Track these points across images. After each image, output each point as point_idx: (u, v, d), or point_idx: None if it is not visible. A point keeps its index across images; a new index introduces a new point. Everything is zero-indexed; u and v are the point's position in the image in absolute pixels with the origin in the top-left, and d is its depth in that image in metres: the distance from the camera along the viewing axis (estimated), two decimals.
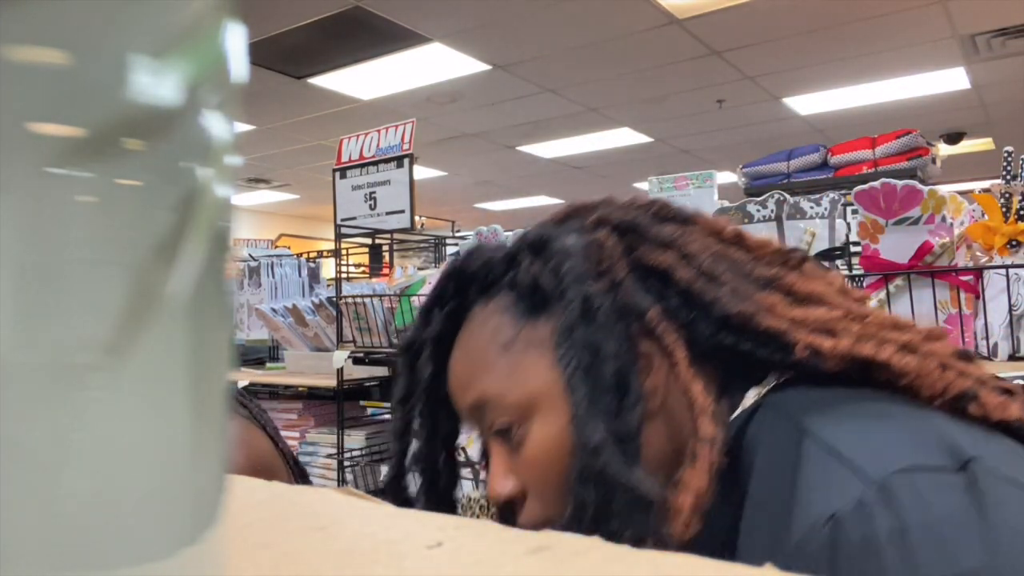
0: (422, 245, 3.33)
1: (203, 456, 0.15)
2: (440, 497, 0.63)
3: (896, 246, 1.34)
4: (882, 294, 1.36)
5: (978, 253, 1.36)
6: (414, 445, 0.65)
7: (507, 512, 0.58)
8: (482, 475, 1.62)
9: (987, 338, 1.28)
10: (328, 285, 2.67)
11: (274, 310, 2.32)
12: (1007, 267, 1.28)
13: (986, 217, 1.40)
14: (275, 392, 2.36)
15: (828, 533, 0.41)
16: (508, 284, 0.58)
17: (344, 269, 2.14)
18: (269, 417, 0.96)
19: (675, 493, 0.49)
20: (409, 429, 0.64)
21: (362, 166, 2.00)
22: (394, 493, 0.64)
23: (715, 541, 0.48)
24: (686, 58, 4.47)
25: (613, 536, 0.49)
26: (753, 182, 3.38)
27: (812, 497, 0.43)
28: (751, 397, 0.53)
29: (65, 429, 0.13)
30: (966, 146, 6.38)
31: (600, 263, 0.54)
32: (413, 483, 0.64)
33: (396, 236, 2.15)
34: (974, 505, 0.39)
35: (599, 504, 0.49)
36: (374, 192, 1.97)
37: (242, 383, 2.24)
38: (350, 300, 1.91)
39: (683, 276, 0.54)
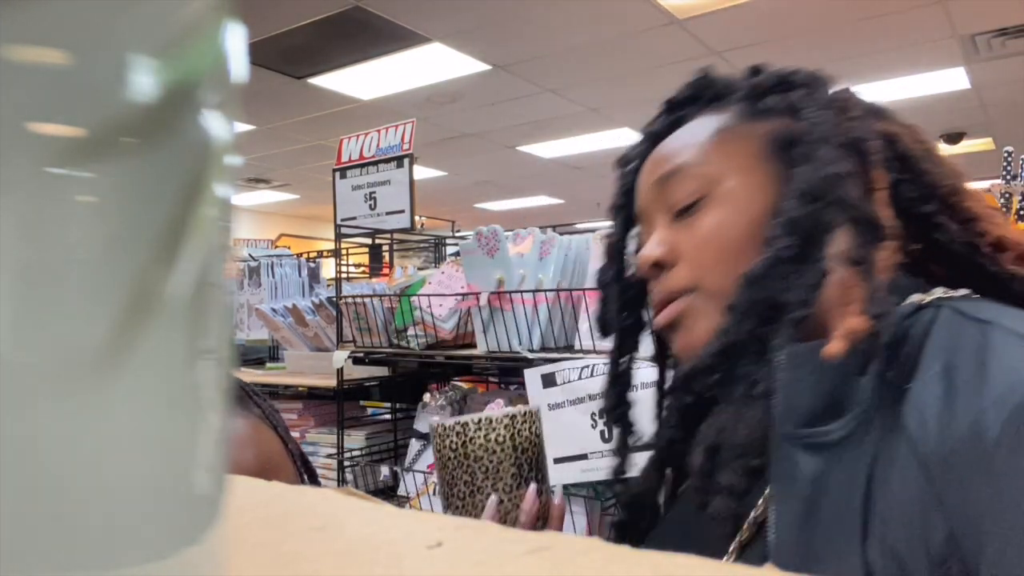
0: (422, 245, 3.33)
1: (203, 456, 0.15)
2: (627, 289, 0.69)
3: None
4: None
5: None
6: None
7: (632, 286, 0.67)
8: None
9: None
10: (328, 285, 2.67)
11: (274, 310, 2.32)
12: None
13: None
14: (275, 392, 2.36)
15: None
16: (745, 91, 0.63)
17: (344, 269, 2.14)
18: (281, 417, 0.96)
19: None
20: (626, 230, 0.70)
21: (362, 166, 2.00)
22: (602, 287, 0.72)
23: (870, 432, 0.49)
24: (686, 58, 4.46)
25: (777, 309, 0.53)
26: None
27: (1011, 366, 0.45)
28: (914, 299, 0.55)
29: (65, 429, 0.13)
30: (966, 146, 6.38)
31: (837, 99, 0.60)
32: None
33: (396, 236, 2.15)
34: None
35: (795, 258, 0.53)
36: (374, 192, 1.97)
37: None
38: (350, 300, 1.91)
39: (909, 145, 0.59)
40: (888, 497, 0.45)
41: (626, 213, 0.70)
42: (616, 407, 0.71)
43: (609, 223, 0.72)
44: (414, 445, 1.87)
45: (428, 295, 1.75)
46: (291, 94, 4.94)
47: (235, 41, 0.15)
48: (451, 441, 0.69)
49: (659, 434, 0.69)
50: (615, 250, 0.71)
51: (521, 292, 1.54)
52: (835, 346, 0.48)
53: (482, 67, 4.55)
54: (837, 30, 4.04)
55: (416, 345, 1.77)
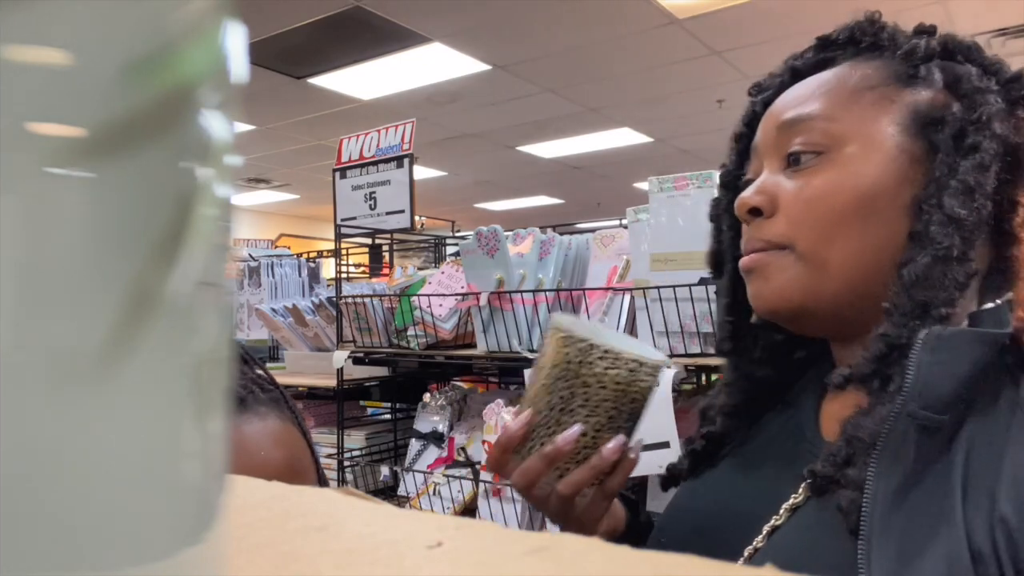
0: (422, 245, 3.33)
1: (203, 456, 0.15)
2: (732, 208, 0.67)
3: None
4: None
5: None
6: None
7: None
8: (482, 475, 1.62)
9: None
10: (328, 285, 2.67)
11: (274, 310, 2.32)
12: None
13: None
14: None
15: None
16: (905, 50, 0.60)
17: (344, 269, 2.14)
18: (306, 426, 0.96)
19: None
20: (742, 160, 0.68)
21: (362, 166, 2.00)
22: (713, 218, 0.72)
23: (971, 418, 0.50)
24: (686, 58, 4.47)
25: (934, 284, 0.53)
26: None
27: None
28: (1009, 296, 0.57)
29: (64, 429, 0.13)
30: None
31: (1013, 88, 0.57)
32: None
33: (396, 236, 2.15)
34: None
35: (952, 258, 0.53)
36: (374, 192, 1.97)
37: None
38: (350, 300, 1.91)
39: None
40: (1004, 471, 0.47)
41: (745, 143, 0.67)
42: (730, 339, 0.69)
43: (728, 151, 0.70)
44: (414, 445, 1.87)
45: (428, 295, 1.75)
46: (291, 94, 4.94)
47: (235, 41, 0.15)
48: (571, 352, 0.63)
49: (748, 375, 0.69)
50: (729, 180, 0.69)
51: (521, 292, 1.54)
52: None
53: (482, 67, 4.55)
54: None
55: (416, 345, 1.77)
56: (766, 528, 0.57)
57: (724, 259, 0.70)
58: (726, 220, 0.69)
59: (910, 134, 0.57)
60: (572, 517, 0.65)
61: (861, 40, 0.63)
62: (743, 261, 0.62)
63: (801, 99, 0.61)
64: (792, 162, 0.59)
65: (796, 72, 0.65)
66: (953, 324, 0.53)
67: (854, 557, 0.47)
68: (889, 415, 0.50)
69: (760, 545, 0.57)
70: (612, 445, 0.64)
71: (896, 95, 0.58)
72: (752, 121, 0.66)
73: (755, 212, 0.60)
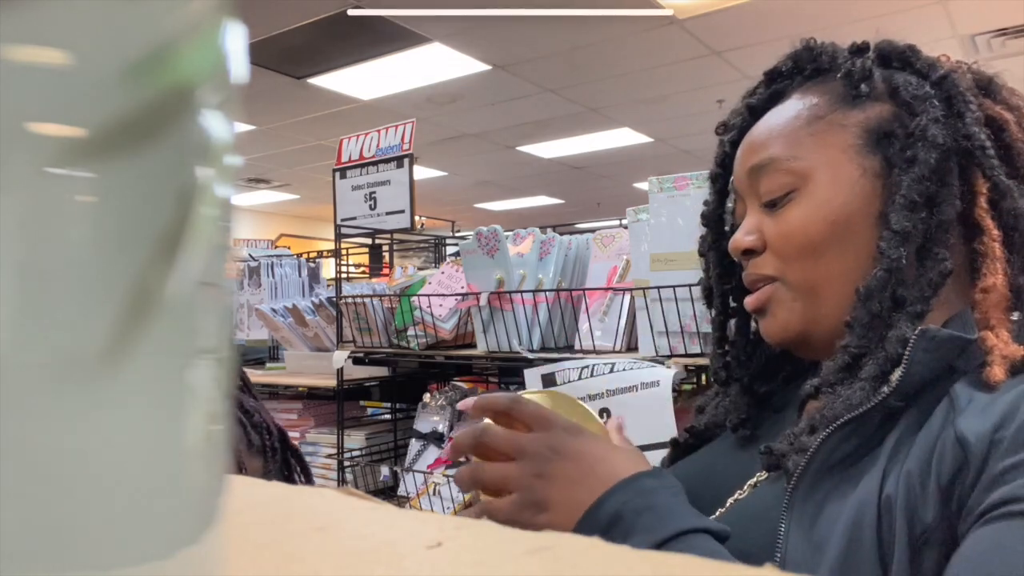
0: (422, 245, 3.33)
1: (202, 456, 0.15)
2: (725, 255, 0.68)
3: None
4: None
5: None
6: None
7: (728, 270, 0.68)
8: None
9: None
10: (328, 285, 2.67)
11: (274, 310, 2.32)
12: None
13: None
14: (275, 392, 2.36)
15: None
16: (842, 73, 0.61)
17: (344, 269, 2.14)
18: (268, 424, 0.95)
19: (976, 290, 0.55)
20: (722, 199, 0.70)
21: (362, 166, 2.00)
22: (702, 253, 0.73)
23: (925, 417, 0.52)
24: (686, 58, 4.47)
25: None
26: None
27: None
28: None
29: (64, 429, 0.13)
30: None
31: (945, 85, 0.58)
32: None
33: (396, 236, 2.15)
34: None
35: (913, 262, 0.55)
36: (374, 192, 1.97)
37: None
38: (350, 300, 1.91)
39: (1014, 136, 0.58)
40: (920, 435, 0.50)
41: (722, 183, 0.70)
42: (724, 368, 0.71)
43: (709, 192, 0.72)
44: (414, 445, 1.87)
45: (428, 295, 1.75)
46: (291, 94, 4.94)
47: (235, 41, 0.15)
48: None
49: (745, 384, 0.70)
50: (712, 218, 0.71)
51: (521, 292, 1.54)
52: (999, 373, 0.50)
53: (482, 67, 4.55)
54: (837, 30, 4.01)
55: (416, 345, 1.77)
56: (729, 501, 0.60)
57: (712, 294, 0.73)
58: (712, 258, 0.72)
59: (867, 152, 0.59)
60: None
61: (804, 67, 0.65)
62: (748, 301, 0.64)
63: (763, 142, 0.63)
64: (770, 203, 0.62)
65: (753, 110, 0.67)
66: (931, 321, 0.55)
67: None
68: (865, 402, 0.52)
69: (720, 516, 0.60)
70: None
71: (845, 118, 0.60)
72: (724, 161, 0.69)
73: (749, 253, 0.63)
